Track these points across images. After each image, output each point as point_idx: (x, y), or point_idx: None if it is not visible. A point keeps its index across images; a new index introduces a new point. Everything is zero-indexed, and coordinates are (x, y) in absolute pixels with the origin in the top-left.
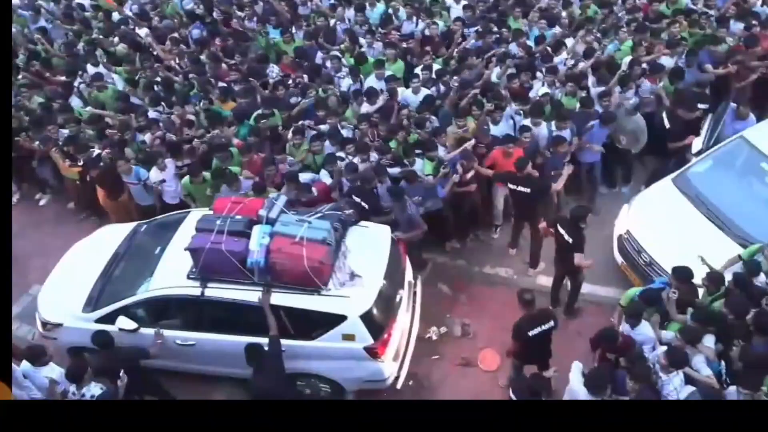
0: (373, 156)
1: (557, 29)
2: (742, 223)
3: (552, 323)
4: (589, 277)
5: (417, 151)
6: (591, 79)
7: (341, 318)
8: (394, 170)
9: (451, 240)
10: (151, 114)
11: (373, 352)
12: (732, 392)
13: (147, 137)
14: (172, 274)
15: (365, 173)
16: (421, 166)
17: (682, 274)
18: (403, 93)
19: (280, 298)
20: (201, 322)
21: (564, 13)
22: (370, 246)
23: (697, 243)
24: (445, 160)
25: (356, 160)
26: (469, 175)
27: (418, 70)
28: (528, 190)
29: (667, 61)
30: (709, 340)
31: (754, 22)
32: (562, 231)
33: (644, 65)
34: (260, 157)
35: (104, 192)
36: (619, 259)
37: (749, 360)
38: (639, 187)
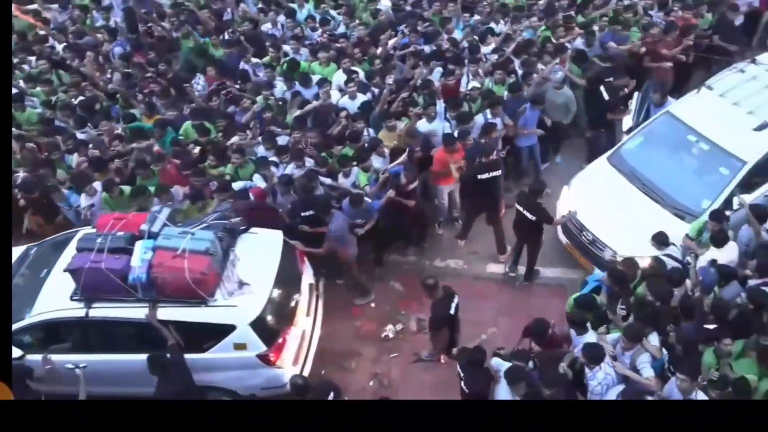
0: (309, 162)
1: (476, 17)
2: (675, 194)
3: (457, 297)
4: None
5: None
6: (517, 63)
7: (230, 328)
8: (327, 180)
9: (385, 252)
10: (80, 135)
11: (266, 359)
12: (673, 389)
13: (74, 159)
14: (56, 296)
15: (304, 184)
16: (355, 178)
17: (618, 277)
18: (341, 99)
19: (167, 313)
20: (90, 343)
21: (486, 2)
22: (259, 253)
23: (636, 217)
24: (386, 170)
25: (291, 166)
26: (411, 186)
27: (340, 75)
28: (492, 175)
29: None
30: (654, 338)
31: (675, 7)
32: (520, 208)
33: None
34: (174, 165)
35: (40, 217)
36: (564, 239)
37: (682, 344)
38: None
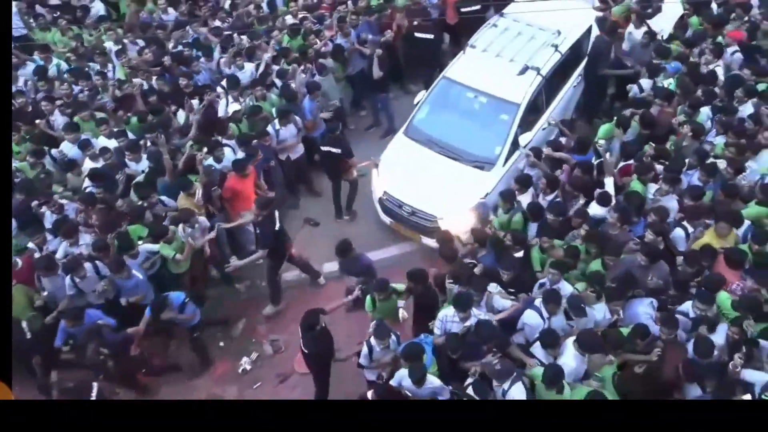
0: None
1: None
2: (471, 149)
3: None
4: (366, 244)
5: None
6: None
7: None
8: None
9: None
10: None
11: None
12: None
13: None
14: None
15: None
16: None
17: (415, 275)
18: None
19: None
20: None
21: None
22: None
23: (444, 179)
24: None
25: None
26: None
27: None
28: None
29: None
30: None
31: None
32: (326, 148)
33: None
34: None
35: None
36: (387, 219)
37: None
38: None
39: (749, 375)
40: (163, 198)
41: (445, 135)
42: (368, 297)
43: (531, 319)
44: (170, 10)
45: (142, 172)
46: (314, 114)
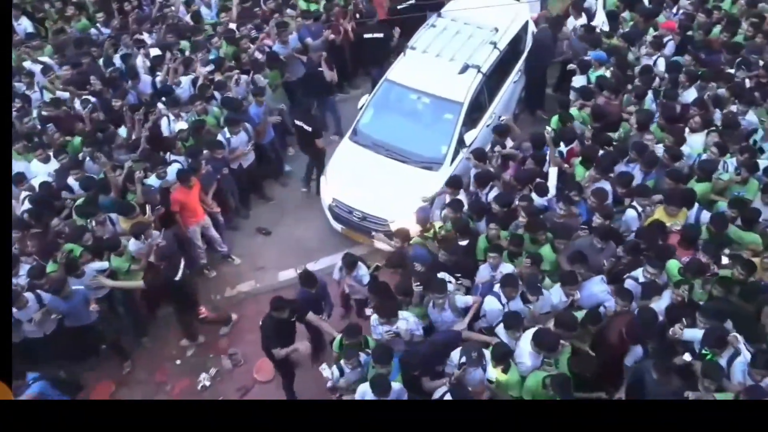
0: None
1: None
2: (418, 150)
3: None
4: (320, 251)
5: None
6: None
7: None
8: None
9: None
10: None
11: None
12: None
13: None
14: None
15: None
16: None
17: (377, 289)
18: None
19: None
20: None
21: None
22: None
23: (393, 181)
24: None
25: None
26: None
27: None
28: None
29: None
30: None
31: None
32: (301, 124)
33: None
34: None
35: None
36: (338, 226)
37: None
38: None
39: (688, 334)
40: (112, 216)
41: (391, 138)
42: (338, 337)
43: (491, 305)
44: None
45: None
46: (262, 119)
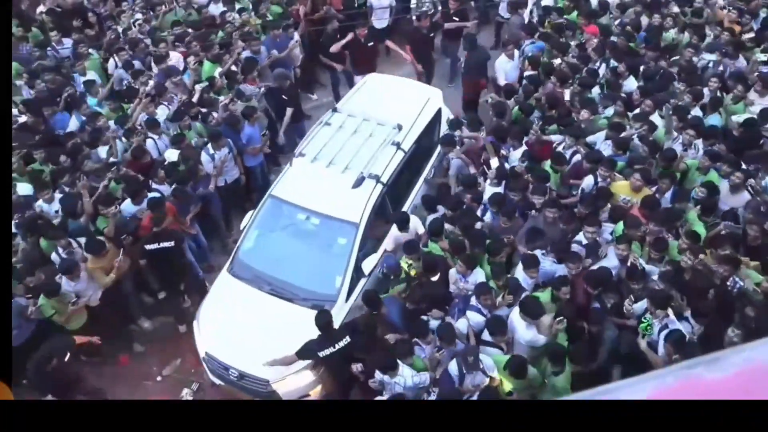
0: None
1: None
2: (306, 284)
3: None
4: None
5: None
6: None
7: None
8: None
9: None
10: None
11: None
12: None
13: None
14: None
15: None
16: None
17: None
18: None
19: None
20: None
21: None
22: None
23: (277, 328)
24: None
25: None
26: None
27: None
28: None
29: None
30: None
31: None
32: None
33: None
34: None
35: None
36: (217, 380)
37: None
38: None
39: (636, 308)
40: (80, 240)
41: (275, 269)
42: None
43: (474, 318)
44: (64, 40)
45: (56, 212)
46: (258, 138)
